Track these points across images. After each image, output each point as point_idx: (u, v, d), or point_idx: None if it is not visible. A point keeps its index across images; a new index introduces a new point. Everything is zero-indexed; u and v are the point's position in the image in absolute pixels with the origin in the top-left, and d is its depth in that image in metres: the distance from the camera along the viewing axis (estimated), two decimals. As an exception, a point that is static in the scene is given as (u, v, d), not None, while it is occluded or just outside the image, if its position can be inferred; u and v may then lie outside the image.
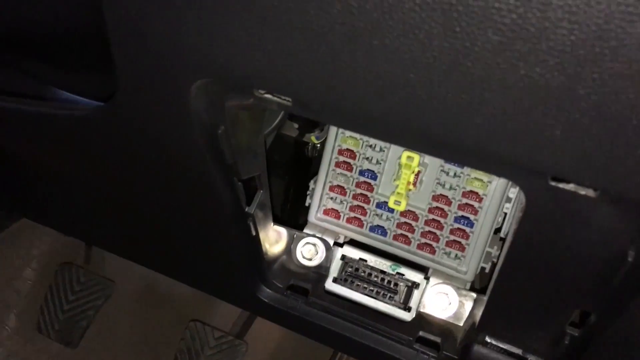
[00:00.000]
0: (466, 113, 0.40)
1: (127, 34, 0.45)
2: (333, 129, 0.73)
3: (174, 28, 0.43)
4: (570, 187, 0.42)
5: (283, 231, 0.75)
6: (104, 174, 0.62)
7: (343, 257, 0.76)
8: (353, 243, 0.77)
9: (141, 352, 1.35)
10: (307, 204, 0.78)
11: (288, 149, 0.96)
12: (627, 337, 0.48)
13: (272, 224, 0.71)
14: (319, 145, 0.85)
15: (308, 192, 0.78)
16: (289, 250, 0.75)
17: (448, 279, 0.72)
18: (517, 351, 0.61)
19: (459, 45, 0.37)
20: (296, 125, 0.93)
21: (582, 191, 0.42)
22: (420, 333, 0.69)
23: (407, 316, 0.72)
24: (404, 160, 0.69)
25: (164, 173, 0.58)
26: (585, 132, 0.38)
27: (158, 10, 0.43)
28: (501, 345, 0.61)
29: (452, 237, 0.72)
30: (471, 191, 0.69)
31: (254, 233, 0.65)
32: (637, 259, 0.43)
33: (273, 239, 0.73)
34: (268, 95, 0.47)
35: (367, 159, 0.73)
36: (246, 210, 0.63)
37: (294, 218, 0.88)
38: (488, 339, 0.62)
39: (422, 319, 0.71)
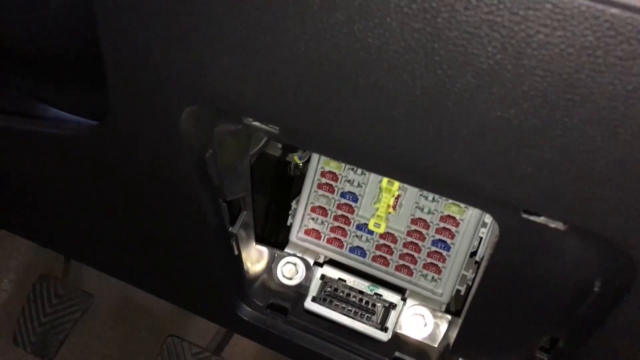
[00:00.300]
0: (445, 148, 0.42)
1: (122, 58, 0.47)
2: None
3: (168, 56, 0.45)
4: (541, 219, 0.44)
5: (264, 250, 0.76)
6: (90, 190, 0.63)
7: (322, 277, 0.77)
8: (333, 263, 0.79)
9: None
10: (288, 224, 0.79)
11: (271, 168, 0.98)
12: (593, 363, 0.50)
13: (254, 243, 0.73)
14: (301, 164, 0.86)
15: (290, 212, 0.80)
16: (270, 269, 0.77)
17: (424, 300, 0.74)
18: (489, 373, 0.63)
19: (440, 86, 0.39)
20: (279, 145, 0.95)
21: (552, 224, 0.44)
22: (396, 354, 0.71)
23: (383, 336, 0.74)
24: (384, 184, 0.71)
25: (151, 192, 0.59)
26: (556, 170, 0.40)
27: (154, 38, 0.44)
28: (474, 368, 0.63)
29: (429, 260, 0.74)
30: (449, 215, 0.72)
31: (236, 252, 0.67)
32: (603, 289, 0.45)
33: (254, 257, 0.75)
34: (256, 123, 0.49)
35: (349, 181, 0.75)
36: (230, 230, 0.64)
37: (275, 236, 0.90)
38: (462, 361, 0.64)
39: (398, 340, 0.73)
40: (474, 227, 0.71)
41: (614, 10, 0.33)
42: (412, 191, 0.72)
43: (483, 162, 0.41)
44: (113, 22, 0.44)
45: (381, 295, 0.76)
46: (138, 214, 0.63)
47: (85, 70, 0.53)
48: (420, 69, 0.39)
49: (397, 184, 0.71)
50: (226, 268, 0.67)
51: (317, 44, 0.40)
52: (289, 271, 0.76)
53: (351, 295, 0.77)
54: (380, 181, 0.72)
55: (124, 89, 0.49)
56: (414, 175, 0.46)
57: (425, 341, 0.72)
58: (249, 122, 0.49)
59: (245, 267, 0.72)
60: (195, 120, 0.49)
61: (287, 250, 0.78)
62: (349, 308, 0.76)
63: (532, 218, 0.45)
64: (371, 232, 0.76)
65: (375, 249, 0.76)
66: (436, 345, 0.72)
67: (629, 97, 0.35)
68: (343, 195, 0.76)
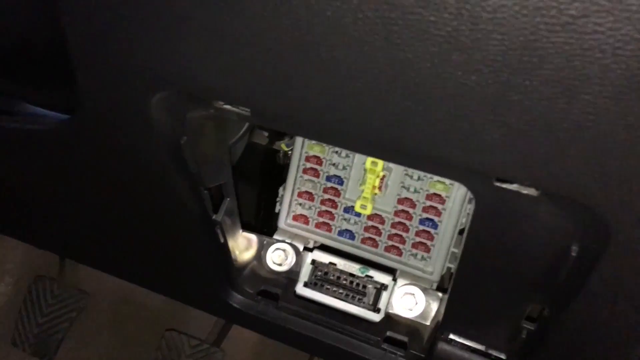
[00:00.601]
0: (412, 120, 0.42)
1: (86, 49, 0.47)
2: (300, 136, 0.75)
3: (132, 43, 0.45)
4: (514, 187, 0.44)
5: (253, 238, 0.76)
6: (72, 186, 0.64)
7: (313, 262, 0.78)
8: (323, 247, 0.79)
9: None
10: (277, 211, 0.79)
11: (259, 157, 0.98)
12: (576, 328, 0.50)
13: (240, 231, 0.73)
14: (289, 152, 0.87)
15: (278, 199, 0.80)
16: (259, 256, 0.77)
17: (415, 279, 0.74)
18: (480, 347, 0.63)
19: (401, 56, 0.39)
20: (266, 134, 0.95)
21: (525, 191, 0.44)
22: (388, 333, 0.71)
23: (376, 317, 0.74)
24: (368, 165, 0.71)
25: (130, 183, 0.59)
26: (522, 135, 0.40)
27: (116, 27, 0.45)
28: (465, 342, 0.64)
29: (417, 239, 0.74)
30: (434, 194, 0.72)
31: (222, 240, 0.67)
32: (580, 253, 0.45)
33: (243, 245, 0.75)
34: (227, 106, 0.49)
35: (334, 165, 0.75)
36: (213, 218, 0.64)
37: (267, 225, 0.90)
38: (452, 336, 0.64)
39: (390, 320, 0.73)
40: (460, 204, 0.70)
41: (564, -32, 0.33)
42: (397, 171, 0.72)
43: (450, 131, 0.41)
44: (75, 11, 0.44)
45: (372, 277, 0.76)
46: (121, 206, 0.64)
47: (53, 64, 0.53)
48: (379, 40, 0.39)
49: (380, 164, 0.71)
50: (213, 256, 0.67)
51: (277, 20, 0.40)
52: (279, 257, 0.76)
53: (342, 279, 0.77)
54: (365, 162, 0.72)
55: (92, 80, 0.49)
56: (384, 149, 0.46)
57: (418, 320, 0.73)
58: (220, 106, 0.49)
59: (233, 255, 0.72)
60: (167, 106, 0.49)
61: (275, 236, 0.78)
62: (341, 291, 0.77)
63: (504, 186, 0.44)
64: (359, 215, 0.76)
65: (364, 231, 0.76)
66: (428, 323, 0.72)
67: (586, 56, 0.35)
68: (328, 178, 0.76)
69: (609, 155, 0.39)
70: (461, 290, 0.57)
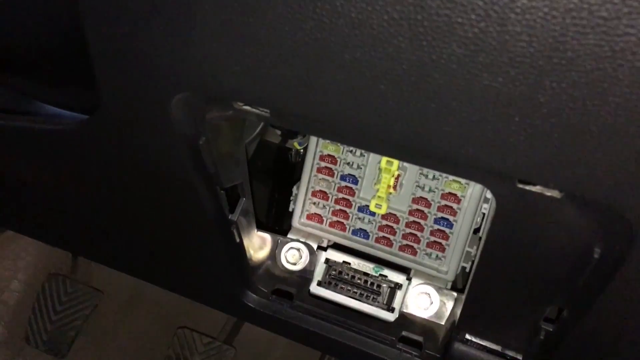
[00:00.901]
0: (435, 121, 0.41)
1: (107, 49, 0.47)
2: (314, 136, 0.75)
3: (154, 44, 0.45)
4: (537, 189, 0.44)
5: (267, 237, 0.76)
6: (89, 185, 0.64)
7: (327, 261, 0.78)
8: (336, 246, 0.79)
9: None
10: (290, 209, 0.79)
11: (271, 155, 0.98)
12: (596, 330, 0.50)
13: (255, 230, 0.73)
14: (302, 150, 0.86)
15: (291, 198, 0.80)
16: (274, 255, 0.77)
17: (430, 279, 0.74)
18: (496, 347, 0.63)
19: (426, 58, 0.39)
20: (279, 132, 0.95)
21: (548, 193, 0.44)
22: (403, 333, 0.71)
23: (390, 317, 0.74)
24: (383, 164, 0.71)
25: (148, 184, 0.59)
26: (547, 137, 0.40)
27: (137, 28, 0.44)
28: (481, 342, 0.63)
29: (432, 239, 0.74)
30: (450, 193, 0.71)
31: (237, 240, 0.67)
32: (603, 255, 0.45)
33: (257, 244, 0.75)
34: (247, 107, 0.49)
35: (348, 164, 0.75)
36: (229, 217, 0.64)
37: (279, 223, 0.90)
38: (468, 337, 0.64)
39: (405, 319, 0.73)
40: (476, 204, 0.70)
41: (596, -30, 0.32)
42: (412, 170, 0.72)
43: (474, 133, 0.41)
44: (96, 13, 0.44)
45: (386, 276, 0.76)
46: (137, 205, 0.64)
47: (74, 64, 0.53)
48: (405, 41, 0.38)
49: (396, 163, 0.70)
50: (228, 256, 0.67)
51: (301, 22, 0.40)
52: (293, 256, 0.76)
53: (356, 278, 0.77)
54: (380, 162, 0.72)
55: (112, 80, 0.49)
56: (407, 150, 0.45)
57: (432, 319, 0.72)
58: (239, 107, 0.49)
59: (248, 254, 0.72)
60: (186, 107, 0.49)
61: (289, 235, 0.78)
62: (355, 290, 0.77)
63: (527, 188, 0.44)
64: (373, 214, 0.75)
65: (378, 230, 0.76)
66: (443, 323, 0.72)
67: (616, 58, 0.35)
68: (343, 178, 0.75)
69: (635, 159, 0.38)
70: (479, 291, 0.57)
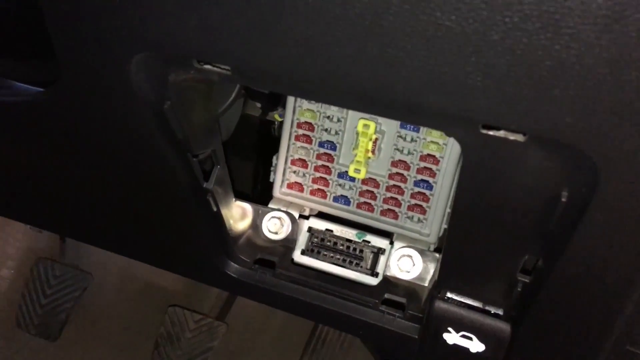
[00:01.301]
0: (392, 67, 0.41)
1: (61, 14, 0.46)
2: (290, 103, 0.74)
3: (108, 3, 0.44)
4: (500, 133, 0.43)
5: (248, 207, 0.76)
6: (59, 159, 0.63)
7: (309, 229, 0.77)
8: (319, 215, 0.79)
9: (122, 342, 1.36)
10: (271, 180, 0.79)
11: (253, 129, 0.97)
12: (571, 277, 0.49)
13: (233, 199, 0.73)
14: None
15: (272, 168, 0.79)
16: (255, 225, 0.77)
17: (412, 242, 0.74)
18: (478, 304, 0.63)
19: (379, 0, 0.38)
20: (259, 105, 0.94)
21: (512, 137, 0.43)
22: (386, 295, 0.71)
23: (373, 281, 0.74)
24: (360, 128, 0.70)
25: (117, 153, 0.58)
26: (505, 77, 0.39)
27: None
28: (462, 300, 0.63)
29: (413, 202, 0.73)
30: (428, 155, 0.71)
31: (215, 209, 0.67)
32: (571, 198, 0.45)
33: (238, 215, 0.75)
34: (208, 66, 0.48)
35: (326, 130, 0.74)
36: (204, 186, 0.64)
37: (264, 197, 0.89)
38: (449, 295, 0.64)
39: (388, 283, 0.73)
40: (455, 164, 0.70)
41: None
42: (390, 133, 0.71)
43: (433, 77, 0.41)
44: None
45: (369, 242, 0.76)
46: (109, 177, 0.63)
47: (30, 35, 0.52)
48: (354, -17, 0.38)
49: (372, 126, 0.70)
50: (207, 226, 0.67)
51: (250, -30, 0.39)
52: (275, 226, 0.76)
53: (339, 244, 0.77)
54: (357, 126, 0.71)
55: (68, 45, 0.48)
56: (367, 100, 0.45)
57: (415, 281, 0.72)
58: (200, 67, 0.48)
59: (227, 224, 0.72)
60: (147, 69, 0.48)
61: (270, 205, 0.77)
62: (338, 257, 0.76)
63: (491, 133, 0.44)
64: (353, 179, 0.75)
65: (359, 195, 0.76)
66: (426, 284, 0.72)
67: (566, -14, 0.34)
68: (321, 144, 0.75)
69: (593, 93, 0.38)
70: (454, 246, 0.57)
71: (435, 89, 0.41)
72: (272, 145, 0.93)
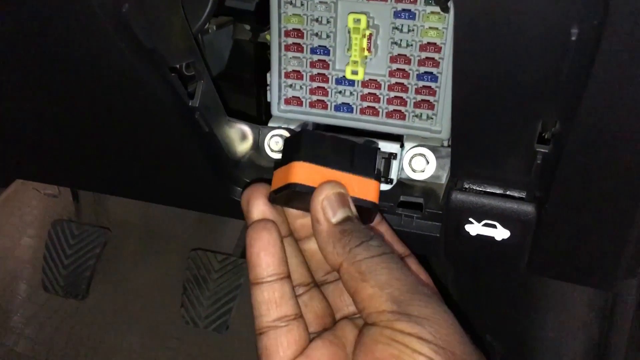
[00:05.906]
0: None
1: None
2: (275, 11, 0.69)
3: None
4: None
5: (246, 128, 0.72)
6: (31, 100, 0.59)
7: (314, 143, 0.73)
8: (323, 128, 0.75)
9: (151, 293, 1.36)
10: (269, 100, 0.75)
11: (247, 53, 0.93)
12: (591, 139, 0.44)
13: (226, 118, 0.69)
14: (276, 43, 0.81)
15: (267, 88, 0.75)
16: (257, 146, 0.73)
17: (424, 141, 0.69)
18: (498, 190, 0.58)
19: None
20: (247, 27, 0.90)
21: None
22: (402, 198, 0.67)
23: (387, 187, 0.70)
24: (351, 24, 0.65)
25: (84, 72, 0.54)
26: None
27: None
28: (480, 188, 0.59)
29: (419, 97, 0.68)
30: (428, 43, 0.66)
31: (207, 129, 0.63)
32: (580, 34, 0.39)
33: (236, 136, 0.71)
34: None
35: (316, 35, 0.69)
36: (190, 104, 0.60)
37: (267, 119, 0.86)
38: (466, 184, 0.59)
39: (403, 185, 0.69)
40: (458, 48, 0.64)
41: None
42: (385, 26, 0.66)
43: None
44: None
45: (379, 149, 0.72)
46: (85, 107, 0.59)
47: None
48: None
49: (364, 19, 0.65)
50: (202, 149, 0.63)
51: None
52: (277, 144, 0.72)
53: (346, 155, 0.73)
54: (347, 23, 0.66)
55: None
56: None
57: (432, 181, 0.68)
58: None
59: (226, 147, 0.68)
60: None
61: (270, 124, 0.73)
62: (347, 167, 0.72)
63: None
64: (353, 83, 0.70)
65: (361, 100, 0.71)
66: (443, 182, 0.67)
67: None
68: (314, 51, 0.70)
69: None
70: (462, 123, 0.51)
71: None
72: (267, 67, 0.89)
